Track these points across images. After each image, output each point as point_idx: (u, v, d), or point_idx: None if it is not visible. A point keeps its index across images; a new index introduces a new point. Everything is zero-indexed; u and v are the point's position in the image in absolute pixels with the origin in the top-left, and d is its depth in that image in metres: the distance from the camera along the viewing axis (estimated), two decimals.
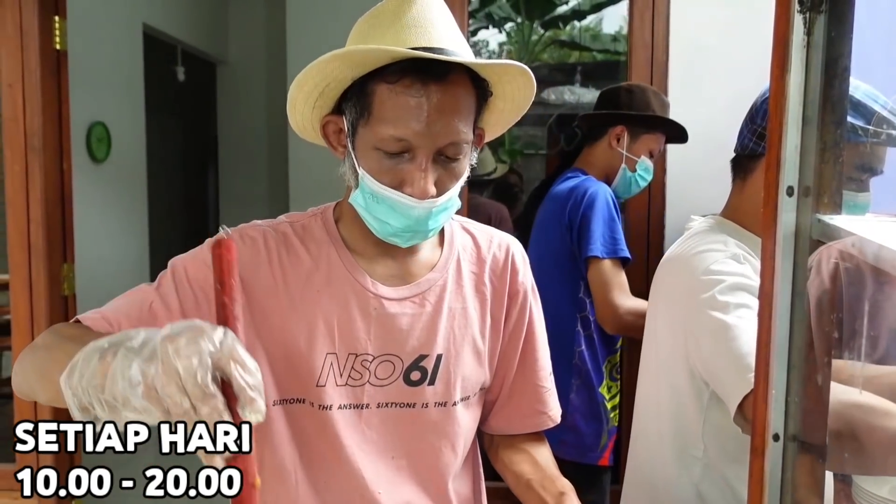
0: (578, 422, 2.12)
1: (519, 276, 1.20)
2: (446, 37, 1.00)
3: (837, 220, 0.69)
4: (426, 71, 0.95)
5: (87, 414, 0.66)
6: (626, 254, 2.06)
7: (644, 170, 2.22)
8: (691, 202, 2.26)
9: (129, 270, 4.18)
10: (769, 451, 0.72)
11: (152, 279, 1.07)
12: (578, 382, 2.11)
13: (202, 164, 6.59)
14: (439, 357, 1.12)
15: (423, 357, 1.11)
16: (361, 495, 1.09)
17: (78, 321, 1.02)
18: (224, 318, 0.67)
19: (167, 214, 5.52)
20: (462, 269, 1.16)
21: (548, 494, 1.12)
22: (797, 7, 0.68)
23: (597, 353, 2.13)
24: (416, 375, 1.11)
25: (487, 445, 1.29)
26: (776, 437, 0.72)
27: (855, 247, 0.63)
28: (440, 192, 1.01)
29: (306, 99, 1.04)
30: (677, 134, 2.22)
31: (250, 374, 0.63)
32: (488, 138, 1.16)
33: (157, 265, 4.41)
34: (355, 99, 1.00)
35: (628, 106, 2.19)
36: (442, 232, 1.18)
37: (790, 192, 0.71)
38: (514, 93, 1.07)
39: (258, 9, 6.01)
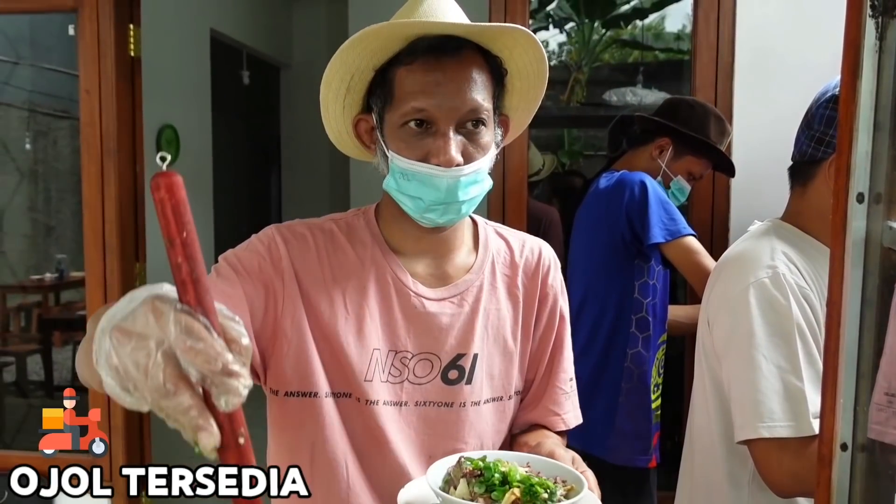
0: (626, 426, 2.06)
1: (549, 280, 1.23)
2: (455, 21, 1.05)
3: None
4: (438, 49, 1.02)
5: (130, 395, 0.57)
6: (689, 231, 2.00)
7: (678, 189, 2.16)
8: (756, 205, 2.21)
9: None
10: (836, 461, 0.71)
11: None
12: (629, 386, 2.05)
13: (266, 166, 6.73)
14: (475, 356, 1.15)
15: (460, 356, 1.14)
16: None
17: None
18: (180, 284, 0.55)
19: (232, 214, 5.65)
20: (496, 272, 1.19)
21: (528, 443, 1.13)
22: (869, 11, 0.67)
23: (651, 355, 2.08)
24: (453, 374, 1.13)
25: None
26: (844, 447, 0.71)
27: None
28: (467, 162, 1.04)
29: (335, 97, 1.10)
30: (726, 165, 2.17)
31: (209, 361, 0.53)
32: (519, 127, 1.20)
33: None
34: (379, 90, 1.07)
35: (684, 121, 2.12)
36: (476, 237, 1.22)
37: (860, 198, 0.69)
38: (527, 67, 1.11)
39: (321, 13, 6.11)
